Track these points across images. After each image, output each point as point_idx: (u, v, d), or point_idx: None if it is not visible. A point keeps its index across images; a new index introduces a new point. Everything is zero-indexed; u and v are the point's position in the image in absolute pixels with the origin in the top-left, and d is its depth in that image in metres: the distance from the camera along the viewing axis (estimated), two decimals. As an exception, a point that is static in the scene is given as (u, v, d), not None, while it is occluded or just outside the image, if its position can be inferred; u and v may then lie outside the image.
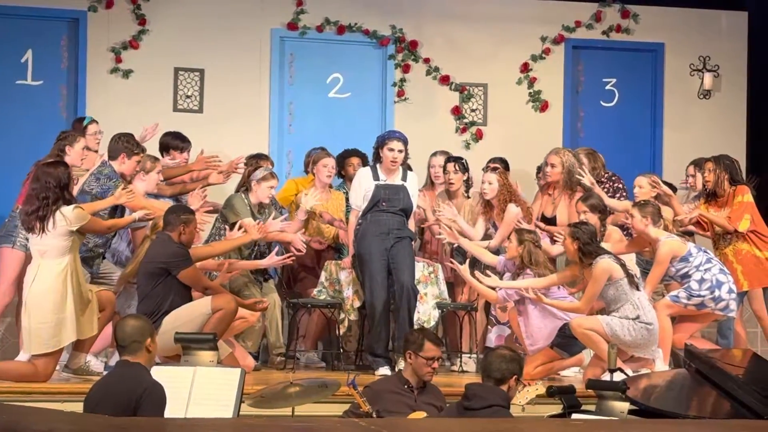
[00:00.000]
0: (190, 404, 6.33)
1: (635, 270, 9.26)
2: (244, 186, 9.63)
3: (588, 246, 8.73)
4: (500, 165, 10.34)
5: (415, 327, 9.03)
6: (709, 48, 12.46)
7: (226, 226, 9.34)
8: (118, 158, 9.14)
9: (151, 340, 6.07)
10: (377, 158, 9.43)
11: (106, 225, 8.62)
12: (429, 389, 7.19)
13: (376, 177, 9.37)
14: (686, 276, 9.07)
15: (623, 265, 8.77)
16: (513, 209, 9.68)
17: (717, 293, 9.01)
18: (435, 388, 7.28)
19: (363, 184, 9.38)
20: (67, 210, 8.18)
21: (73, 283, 8.20)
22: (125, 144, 9.19)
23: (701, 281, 9.01)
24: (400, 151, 9.34)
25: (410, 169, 9.58)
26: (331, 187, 10.30)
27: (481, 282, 9.18)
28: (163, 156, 10.07)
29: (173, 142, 10.18)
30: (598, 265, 8.66)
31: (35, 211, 8.21)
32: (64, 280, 8.17)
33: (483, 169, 10.14)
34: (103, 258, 9.18)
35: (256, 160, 9.86)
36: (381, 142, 9.41)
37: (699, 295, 9.01)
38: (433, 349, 7.13)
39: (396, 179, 9.39)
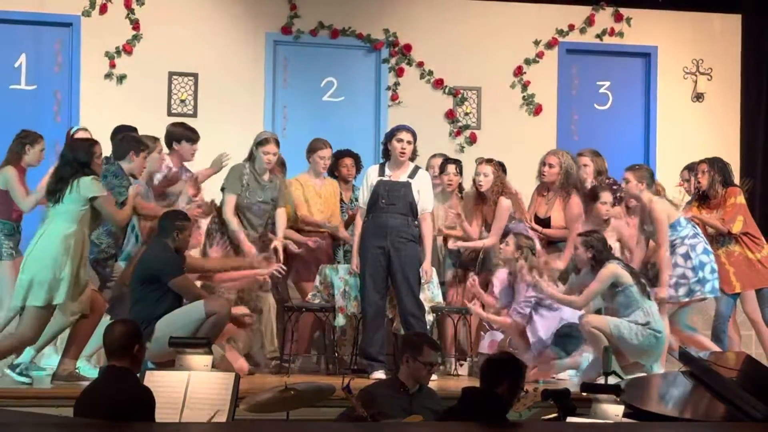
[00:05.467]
0: (184, 409, 6.33)
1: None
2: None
3: (601, 254, 8.76)
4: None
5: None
6: (702, 51, 12.48)
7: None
8: (126, 157, 8.97)
9: (139, 345, 6.03)
10: (386, 154, 9.40)
11: (123, 214, 8.53)
12: (425, 393, 7.17)
13: (382, 173, 9.34)
14: (672, 246, 9.07)
15: (634, 273, 8.78)
16: (504, 202, 9.68)
17: (701, 274, 9.04)
18: (432, 391, 7.27)
19: (369, 180, 9.36)
20: (85, 179, 8.23)
21: (75, 254, 8.17)
22: (133, 143, 9.06)
23: (686, 256, 9.04)
24: (409, 142, 9.27)
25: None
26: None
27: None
28: (172, 146, 9.66)
29: (186, 132, 9.72)
30: (606, 267, 8.69)
31: (54, 184, 8.29)
32: (68, 245, 8.14)
33: (476, 161, 10.09)
34: (116, 260, 9.14)
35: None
36: (390, 135, 9.39)
37: (684, 277, 9.02)
38: (432, 354, 7.12)
39: (402, 176, 9.32)
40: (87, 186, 8.23)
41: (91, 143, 8.51)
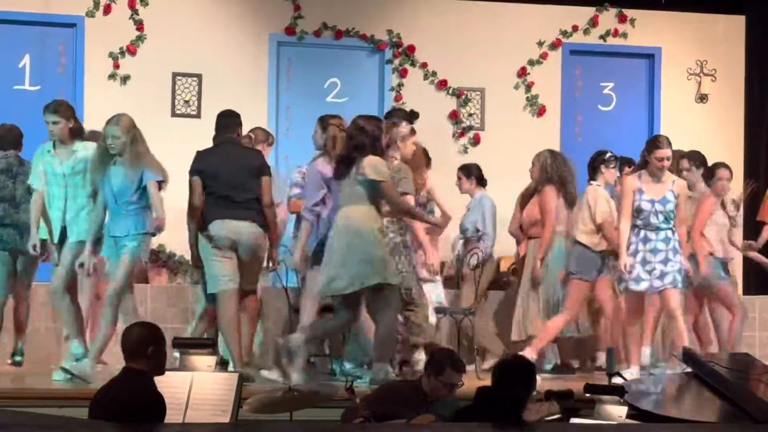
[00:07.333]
0: (188, 410, 6.33)
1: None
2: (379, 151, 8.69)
3: None
4: None
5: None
6: (706, 52, 12.48)
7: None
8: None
9: (155, 347, 5.95)
10: None
11: (406, 206, 8.59)
12: (443, 401, 7.09)
13: None
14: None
15: None
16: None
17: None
18: (452, 400, 7.17)
19: None
20: (372, 158, 8.29)
21: (368, 236, 8.23)
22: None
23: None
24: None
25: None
26: None
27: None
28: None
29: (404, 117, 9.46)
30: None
31: (344, 158, 8.42)
32: (361, 226, 8.24)
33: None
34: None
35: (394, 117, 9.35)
36: None
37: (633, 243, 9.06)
38: (453, 375, 6.97)
39: None
40: (369, 164, 8.27)
41: (380, 120, 8.60)
